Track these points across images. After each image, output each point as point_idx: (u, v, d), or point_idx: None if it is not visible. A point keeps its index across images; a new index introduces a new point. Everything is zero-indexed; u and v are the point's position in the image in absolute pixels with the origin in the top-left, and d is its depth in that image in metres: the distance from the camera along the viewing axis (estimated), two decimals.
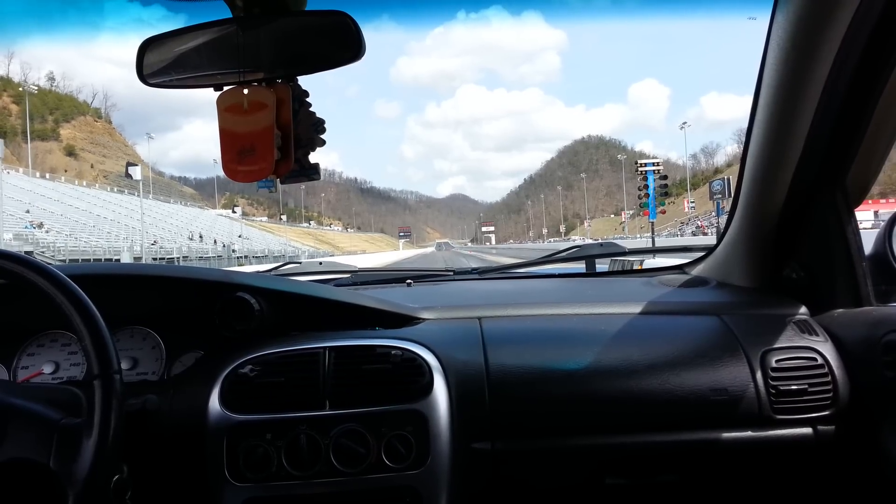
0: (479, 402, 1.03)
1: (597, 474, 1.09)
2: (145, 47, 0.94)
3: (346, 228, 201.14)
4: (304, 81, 0.95)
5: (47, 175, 73.70)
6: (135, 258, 32.80)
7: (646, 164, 31.52)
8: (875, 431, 1.01)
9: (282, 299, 1.14)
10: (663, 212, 32.25)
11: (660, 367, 1.06)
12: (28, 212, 43.99)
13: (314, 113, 0.97)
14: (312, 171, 0.98)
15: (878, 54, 0.98)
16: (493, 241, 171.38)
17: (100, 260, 29.32)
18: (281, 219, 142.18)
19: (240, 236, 68.82)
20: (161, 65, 0.96)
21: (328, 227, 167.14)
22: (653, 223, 31.31)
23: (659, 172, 30.96)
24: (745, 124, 1.21)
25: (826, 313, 1.18)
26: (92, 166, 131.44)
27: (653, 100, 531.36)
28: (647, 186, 30.00)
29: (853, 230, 1.18)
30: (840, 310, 1.17)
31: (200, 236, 55.45)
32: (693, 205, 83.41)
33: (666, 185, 32.13)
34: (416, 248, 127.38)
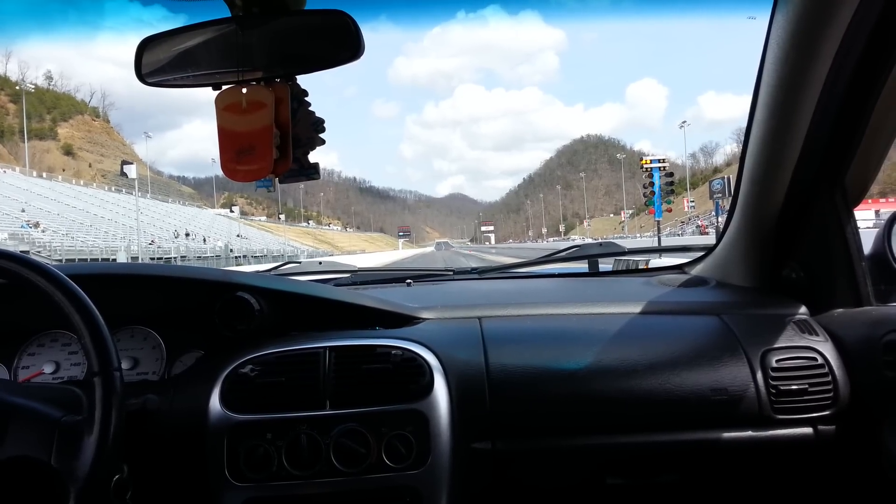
0: (480, 401, 1.03)
1: (597, 474, 1.09)
2: (144, 46, 0.94)
3: (346, 228, 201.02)
4: (303, 81, 0.95)
5: (44, 174, 73.46)
6: (131, 258, 32.67)
7: (651, 162, 30.66)
8: (875, 431, 1.02)
9: (282, 299, 1.14)
10: (670, 210, 31.32)
11: (660, 366, 1.06)
12: (24, 211, 43.84)
13: (313, 112, 0.97)
14: (312, 171, 0.99)
15: (877, 54, 0.98)
16: (493, 241, 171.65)
17: (97, 259, 29.25)
18: (279, 218, 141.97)
19: (238, 235, 68.69)
20: (160, 64, 0.95)
21: (327, 227, 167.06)
22: (658, 222, 30.52)
23: (665, 170, 30.27)
24: (744, 124, 1.21)
25: (826, 313, 1.18)
26: (90, 165, 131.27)
27: (651, 99, 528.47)
28: (652, 184, 29.25)
29: (852, 230, 1.18)
30: (840, 309, 1.17)
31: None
32: (693, 204, 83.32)
33: (672, 183, 31.23)
34: (415, 248, 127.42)
